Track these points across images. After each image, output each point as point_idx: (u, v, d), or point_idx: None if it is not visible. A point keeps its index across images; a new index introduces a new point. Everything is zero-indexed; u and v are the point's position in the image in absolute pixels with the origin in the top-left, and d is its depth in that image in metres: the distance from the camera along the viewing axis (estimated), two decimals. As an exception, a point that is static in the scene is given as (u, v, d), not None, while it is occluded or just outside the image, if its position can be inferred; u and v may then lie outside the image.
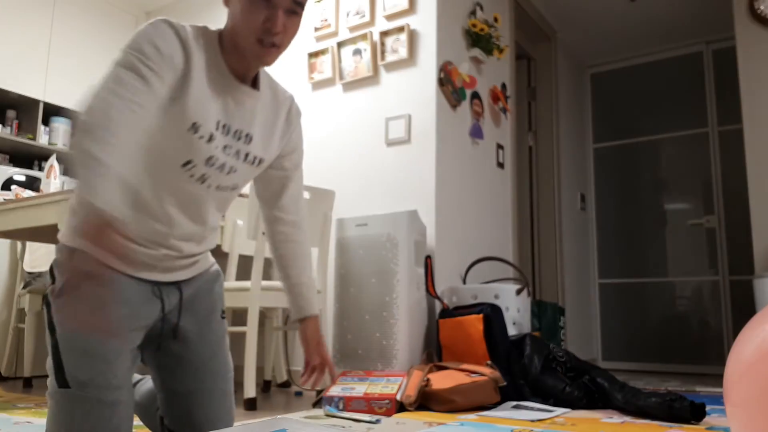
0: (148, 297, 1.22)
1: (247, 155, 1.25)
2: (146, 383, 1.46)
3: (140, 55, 1.05)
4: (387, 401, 2.18)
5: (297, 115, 1.38)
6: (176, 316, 1.27)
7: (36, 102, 3.95)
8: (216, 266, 1.39)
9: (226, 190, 1.26)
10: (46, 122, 4.04)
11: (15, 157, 4.02)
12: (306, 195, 2.66)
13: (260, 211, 1.47)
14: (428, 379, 2.30)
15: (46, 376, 1.18)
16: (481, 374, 2.32)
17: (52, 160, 2.88)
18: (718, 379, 3.82)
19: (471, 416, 2.10)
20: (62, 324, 1.14)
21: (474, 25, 3.35)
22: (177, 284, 1.27)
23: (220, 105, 1.18)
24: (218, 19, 3.99)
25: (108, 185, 0.95)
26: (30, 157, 4.08)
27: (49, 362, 1.14)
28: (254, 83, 1.26)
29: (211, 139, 1.17)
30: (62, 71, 4.10)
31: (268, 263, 3.23)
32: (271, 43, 1.14)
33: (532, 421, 2.01)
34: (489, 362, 2.45)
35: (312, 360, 1.44)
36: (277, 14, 1.12)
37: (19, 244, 3.43)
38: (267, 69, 1.31)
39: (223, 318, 1.37)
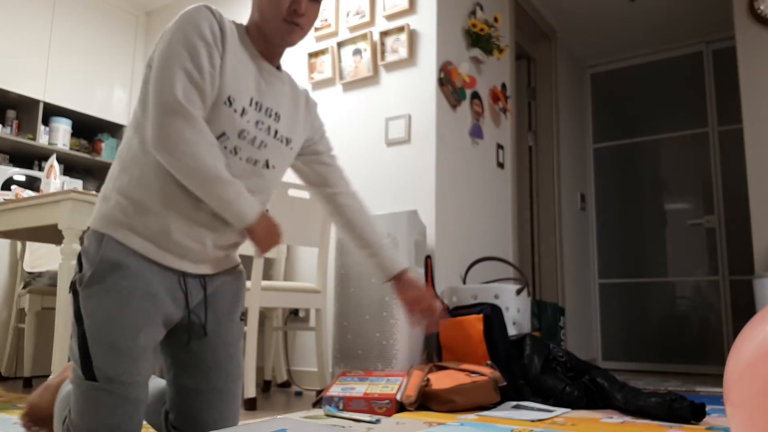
0: (174, 290, 1.23)
1: (276, 132, 1.32)
2: (152, 381, 1.46)
3: (196, 57, 1.17)
4: (387, 401, 2.18)
5: (314, 106, 1.49)
6: (203, 313, 1.28)
7: (36, 102, 3.95)
8: (241, 266, 1.41)
9: (258, 166, 1.28)
10: (46, 122, 4.04)
11: (15, 157, 4.02)
12: (306, 195, 2.66)
13: (320, 204, 1.54)
14: (428, 379, 2.30)
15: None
16: (481, 374, 2.32)
17: (52, 160, 2.88)
18: (718, 379, 3.82)
19: (471, 416, 2.10)
20: (90, 315, 1.15)
21: (474, 25, 3.35)
22: (202, 279, 1.28)
23: (253, 83, 1.27)
24: (218, 19, 3.99)
25: (248, 196, 1.21)
26: (30, 157, 4.08)
27: (75, 350, 1.16)
28: (279, 69, 1.36)
29: (243, 113, 1.24)
30: (62, 71, 4.10)
31: (268, 263, 3.23)
32: (296, 23, 1.27)
33: (532, 421, 2.01)
34: (489, 362, 2.45)
35: (427, 301, 1.48)
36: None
37: (19, 244, 3.43)
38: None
39: (242, 320, 1.38)
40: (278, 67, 1.36)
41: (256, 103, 1.27)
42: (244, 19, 3.87)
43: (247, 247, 2.98)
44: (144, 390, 1.17)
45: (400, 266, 1.49)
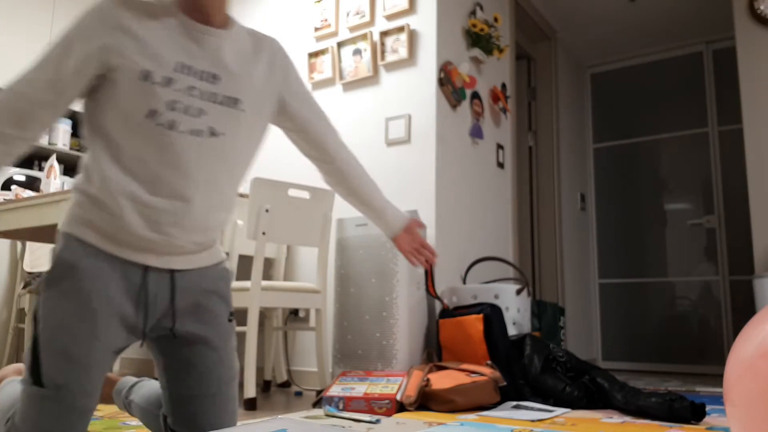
0: (135, 290, 1.18)
1: (215, 96, 1.22)
2: (147, 385, 1.45)
3: (67, 49, 1.13)
4: (387, 401, 2.18)
5: (282, 58, 1.39)
6: (171, 315, 1.22)
7: (36, 102, 3.95)
8: (226, 264, 1.35)
9: (204, 136, 1.20)
10: (46, 122, 4.04)
11: (15, 157, 4.02)
12: (306, 195, 2.66)
13: (321, 174, 1.53)
14: (428, 379, 2.30)
15: None
16: (481, 374, 2.32)
17: (52, 160, 2.88)
18: (718, 379, 3.82)
19: (471, 416, 2.10)
20: (45, 319, 1.12)
21: (474, 25, 3.35)
22: (170, 276, 1.22)
23: (179, 48, 1.19)
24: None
25: None
26: (30, 157, 4.08)
27: (27, 353, 1.13)
28: (223, 26, 1.27)
29: (169, 82, 1.16)
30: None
31: (268, 263, 3.23)
32: None
33: (532, 421, 2.01)
34: (489, 362, 2.45)
35: (420, 244, 1.63)
36: None
37: (19, 244, 3.43)
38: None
39: (230, 321, 1.32)
40: (220, 23, 1.26)
41: (187, 67, 1.19)
42: (242, 21, 3.87)
43: (248, 247, 2.98)
44: (93, 399, 1.13)
45: (405, 221, 1.61)
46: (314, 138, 1.46)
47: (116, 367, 3.38)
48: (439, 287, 2.92)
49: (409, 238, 1.66)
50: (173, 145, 1.17)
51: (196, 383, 1.25)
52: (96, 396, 1.14)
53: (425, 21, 3.10)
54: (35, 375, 1.10)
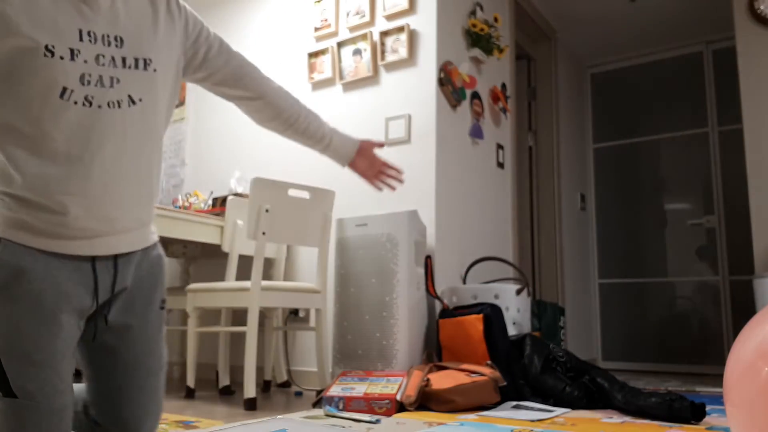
0: (87, 278, 1.13)
1: (124, 60, 1.13)
2: None
3: None
4: (387, 401, 2.18)
5: (180, 6, 1.28)
6: (109, 302, 1.18)
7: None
8: (159, 248, 1.28)
9: (123, 107, 1.13)
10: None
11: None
12: (306, 195, 2.66)
13: (250, 115, 1.44)
14: (428, 379, 2.30)
15: None
16: (481, 374, 2.32)
17: None
18: (718, 379, 3.82)
19: (471, 416, 2.10)
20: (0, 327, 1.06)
21: (474, 25, 3.35)
22: (114, 262, 1.16)
23: (75, 13, 1.09)
24: (218, 19, 3.99)
25: None
26: None
27: None
28: None
29: (75, 55, 1.07)
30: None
31: (268, 263, 3.23)
32: None
33: (532, 421, 2.01)
34: (489, 362, 2.45)
35: (378, 163, 1.56)
36: None
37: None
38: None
39: (162, 309, 1.26)
40: None
41: (89, 34, 1.09)
42: (242, 22, 3.87)
43: (248, 247, 2.98)
44: (69, 395, 1.09)
45: (354, 145, 1.51)
46: (233, 77, 1.36)
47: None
48: (439, 287, 2.92)
49: (365, 161, 1.57)
50: (96, 123, 1.09)
51: (121, 374, 1.20)
52: (71, 391, 1.11)
53: (425, 21, 3.10)
54: (4, 387, 1.04)
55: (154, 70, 1.18)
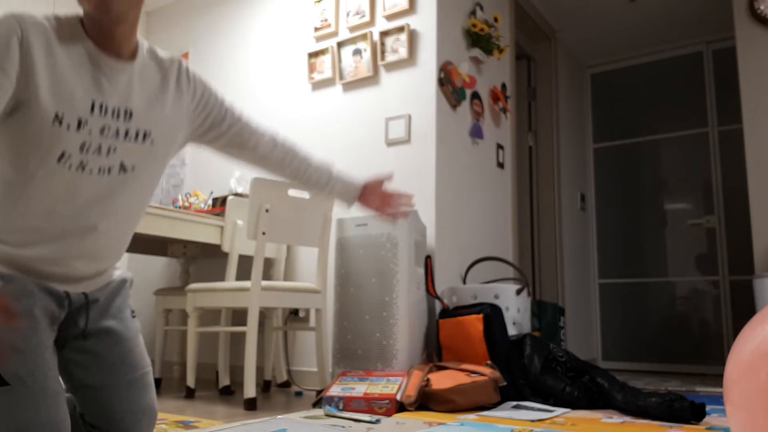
0: (54, 291, 1.20)
1: (127, 132, 1.20)
2: None
3: None
4: (387, 401, 2.18)
5: (189, 77, 1.33)
6: (84, 317, 1.24)
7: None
8: (120, 274, 1.36)
9: (113, 173, 1.19)
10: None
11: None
12: (306, 195, 2.66)
13: (255, 167, 1.49)
14: (428, 379, 2.30)
15: None
16: (481, 374, 2.32)
17: None
18: (718, 379, 3.82)
19: (471, 416, 2.10)
20: None
21: (474, 25, 3.35)
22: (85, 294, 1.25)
23: (92, 85, 1.15)
24: (218, 19, 3.99)
25: None
26: None
27: None
28: (132, 57, 1.22)
29: (81, 125, 1.13)
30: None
31: (268, 263, 3.23)
32: None
33: (532, 421, 2.01)
34: (489, 362, 2.45)
35: (388, 198, 1.57)
36: None
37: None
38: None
39: (133, 317, 1.35)
40: (129, 54, 1.21)
41: (100, 106, 1.15)
42: (243, 22, 3.87)
43: (248, 247, 2.98)
44: (59, 383, 1.14)
45: (357, 190, 1.54)
46: (236, 145, 1.43)
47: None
48: (439, 287, 2.92)
49: (375, 199, 1.60)
50: (82, 185, 1.16)
51: (107, 373, 1.25)
52: (60, 382, 1.15)
53: (425, 21, 3.10)
54: None
55: (152, 142, 1.24)
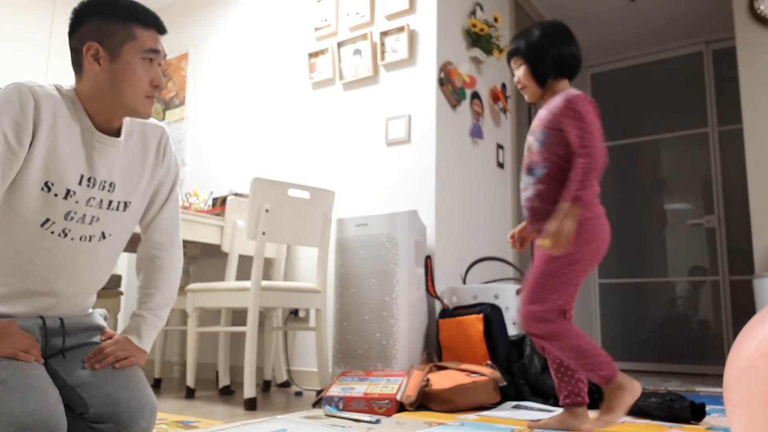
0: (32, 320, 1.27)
1: (110, 203, 1.30)
2: None
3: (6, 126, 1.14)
4: (387, 401, 2.18)
5: (164, 152, 1.41)
6: (61, 341, 1.29)
7: (36, 102, 3.95)
8: (98, 314, 1.43)
9: (94, 241, 1.29)
10: (46, 122, 4.04)
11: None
12: (306, 195, 2.66)
13: (138, 251, 1.47)
14: (428, 379, 2.30)
15: None
16: (481, 374, 2.32)
17: None
18: (718, 379, 3.82)
19: (471, 416, 2.10)
20: None
21: (474, 25, 3.35)
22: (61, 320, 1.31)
23: (84, 159, 1.24)
24: (218, 19, 3.99)
25: None
26: None
27: None
28: (117, 131, 1.32)
29: (69, 195, 1.21)
30: (62, 71, 4.09)
31: (268, 263, 3.23)
32: (155, 95, 1.30)
33: (532, 421, 2.01)
34: (489, 362, 2.45)
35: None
36: (159, 72, 1.30)
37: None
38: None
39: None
40: (119, 128, 1.31)
41: (89, 180, 1.25)
42: (243, 22, 3.87)
43: (248, 247, 2.98)
44: (48, 382, 1.16)
45: (130, 336, 1.42)
46: (153, 236, 1.43)
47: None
48: (439, 287, 2.92)
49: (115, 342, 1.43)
50: (60, 251, 1.24)
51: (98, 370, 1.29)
52: (47, 379, 1.17)
53: (425, 21, 3.10)
54: None
55: (130, 211, 1.35)
